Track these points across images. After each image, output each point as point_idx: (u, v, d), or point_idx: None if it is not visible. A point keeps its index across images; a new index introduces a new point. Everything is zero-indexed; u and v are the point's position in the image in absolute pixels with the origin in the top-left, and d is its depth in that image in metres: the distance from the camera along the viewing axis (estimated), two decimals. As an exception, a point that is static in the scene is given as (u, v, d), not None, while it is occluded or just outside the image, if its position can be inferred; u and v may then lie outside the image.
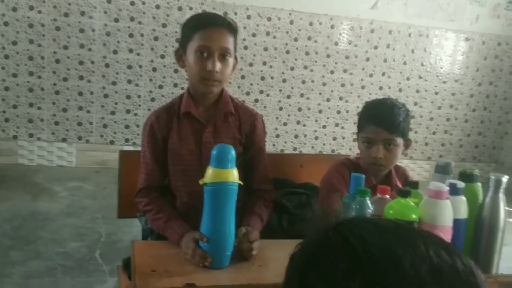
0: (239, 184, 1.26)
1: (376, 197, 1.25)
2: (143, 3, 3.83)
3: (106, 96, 3.93)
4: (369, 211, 1.16)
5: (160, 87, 4.00)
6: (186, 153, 1.53)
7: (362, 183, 1.26)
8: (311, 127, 4.39)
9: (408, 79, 4.48)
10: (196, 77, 1.47)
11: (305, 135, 4.39)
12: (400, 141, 1.66)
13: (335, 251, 0.53)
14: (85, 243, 2.77)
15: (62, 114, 3.89)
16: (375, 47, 4.35)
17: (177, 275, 1.16)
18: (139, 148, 1.63)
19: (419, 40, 4.42)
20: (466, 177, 1.29)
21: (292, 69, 4.23)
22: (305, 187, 1.93)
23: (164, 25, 3.91)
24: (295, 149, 4.39)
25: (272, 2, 4.06)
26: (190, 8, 3.92)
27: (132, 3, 3.81)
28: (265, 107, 4.24)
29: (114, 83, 3.91)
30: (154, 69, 3.97)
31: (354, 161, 1.78)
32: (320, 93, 4.34)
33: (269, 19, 4.10)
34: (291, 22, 4.14)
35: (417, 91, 4.53)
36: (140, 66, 3.94)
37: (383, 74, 4.42)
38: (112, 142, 3.99)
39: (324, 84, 4.33)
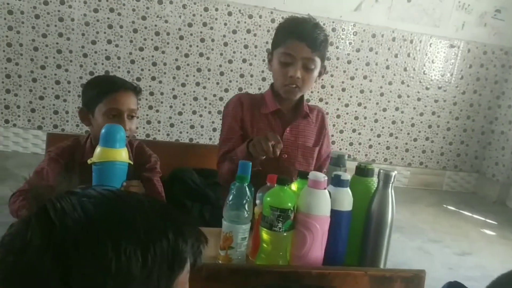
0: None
1: (265, 186, 1.23)
2: (123, -5, 3.85)
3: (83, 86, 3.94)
4: (247, 198, 1.15)
5: (138, 79, 4.01)
6: None
7: (248, 170, 1.24)
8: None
9: (390, 83, 4.45)
10: None
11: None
12: (318, 62, 1.61)
13: (34, 227, 0.52)
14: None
15: (38, 101, 3.93)
16: (357, 50, 4.32)
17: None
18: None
19: (402, 45, 4.39)
20: (361, 170, 1.27)
21: (272, 68, 4.21)
22: (235, 179, 1.92)
23: (143, 18, 3.92)
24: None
25: (254, 0, 4.06)
26: (171, 2, 3.93)
27: (112, -5, 3.83)
28: (243, 104, 4.23)
29: (91, 73, 3.93)
30: (132, 61, 3.99)
31: (251, 95, 1.86)
32: (299, 94, 4.31)
33: (250, 16, 4.09)
34: (273, 21, 4.13)
35: (399, 96, 4.49)
36: (118, 58, 3.96)
37: (365, 77, 4.39)
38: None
39: (304, 85, 4.30)
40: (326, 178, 1.13)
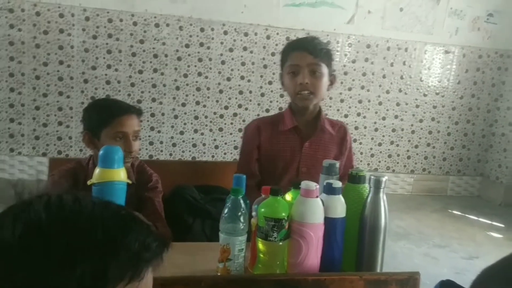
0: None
1: (260, 198, 1.27)
2: (121, 20, 3.93)
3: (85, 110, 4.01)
4: (242, 210, 1.19)
5: (139, 101, 4.07)
6: None
7: (242, 183, 1.28)
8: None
9: (387, 92, 4.49)
10: None
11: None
12: (325, 69, 1.70)
13: None
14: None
15: (42, 129, 3.99)
16: (353, 61, 4.37)
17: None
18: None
19: (398, 53, 4.44)
20: (353, 177, 1.31)
21: (270, 83, 4.27)
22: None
23: (141, 41, 4.00)
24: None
25: (248, 18, 4.13)
26: (167, 25, 4.01)
27: (110, 21, 3.92)
28: (244, 120, 4.28)
29: (93, 98, 3.99)
30: (133, 84, 4.06)
31: (271, 116, 1.93)
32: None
33: (245, 34, 4.16)
34: (268, 37, 4.20)
35: (397, 104, 4.53)
36: (119, 82, 4.03)
37: (362, 87, 4.44)
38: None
39: (302, 98, 4.35)
40: (318, 186, 1.17)
